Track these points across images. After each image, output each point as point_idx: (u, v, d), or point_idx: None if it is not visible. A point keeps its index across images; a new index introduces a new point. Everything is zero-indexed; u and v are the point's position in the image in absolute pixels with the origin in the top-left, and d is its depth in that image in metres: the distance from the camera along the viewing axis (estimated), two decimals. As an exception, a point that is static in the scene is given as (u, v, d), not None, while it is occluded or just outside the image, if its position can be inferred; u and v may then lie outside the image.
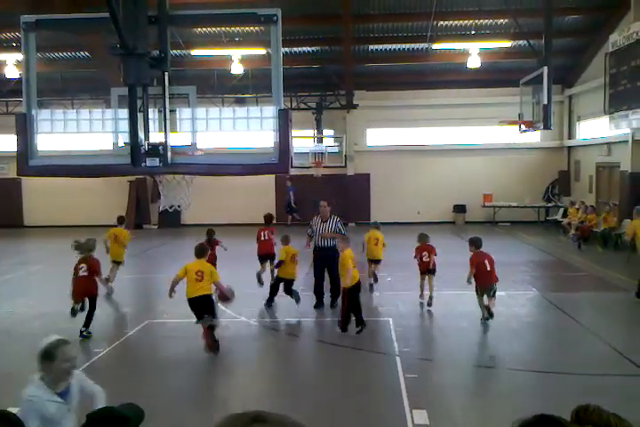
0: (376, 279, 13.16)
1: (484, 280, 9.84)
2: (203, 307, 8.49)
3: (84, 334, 9.36)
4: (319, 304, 11.28)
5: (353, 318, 9.41)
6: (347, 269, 9.30)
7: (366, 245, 12.89)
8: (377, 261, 13.03)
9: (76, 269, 9.73)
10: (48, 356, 3.88)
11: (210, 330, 8.48)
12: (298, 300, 11.05)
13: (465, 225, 24.47)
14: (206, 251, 9.17)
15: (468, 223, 24.54)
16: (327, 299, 11.36)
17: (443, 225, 24.30)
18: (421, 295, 11.53)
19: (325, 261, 11.12)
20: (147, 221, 25.65)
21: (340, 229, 11.19)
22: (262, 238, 13.07)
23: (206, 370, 8.15)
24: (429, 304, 11.12)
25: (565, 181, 24.64)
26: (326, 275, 11.31)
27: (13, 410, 3.33)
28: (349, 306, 9.40)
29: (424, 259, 11.50)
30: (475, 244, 10.24)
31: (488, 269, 9.85)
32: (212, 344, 8.46)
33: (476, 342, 9.05)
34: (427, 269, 11.44)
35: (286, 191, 24.19)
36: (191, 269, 8.64)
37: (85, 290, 9.61)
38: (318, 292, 11.32)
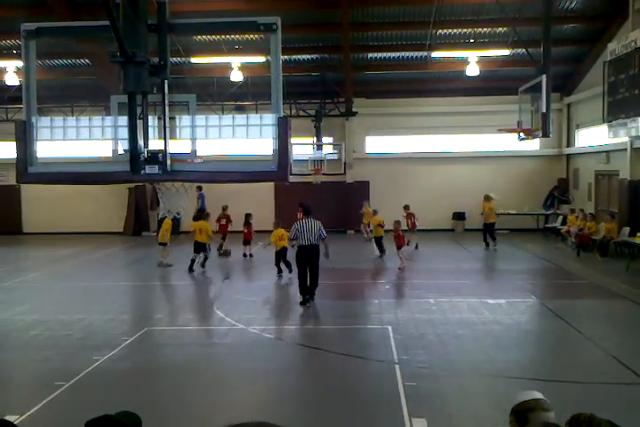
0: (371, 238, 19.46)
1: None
2: (199, 247, 16.01)
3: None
4: (307, 301, 12.07)
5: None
6: (275, 240, 15.03)
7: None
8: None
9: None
10: (520, 418, 3.17)
11: (193, 261, 16.02)
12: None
13: (464, 233, 24.49)
14: (204, 216, 16.47)
15: (467, 231, 24.55)
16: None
17: (442, 233, 24.31)
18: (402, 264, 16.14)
19: (309, 259, 12.17)
20: (146, 228, 25.63)
21: (322, 232, 12.34)
22: None
23: (205, 378, 8.12)
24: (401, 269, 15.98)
25: (564, 188, 24.68)
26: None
27: (11, 418, 3.31)
28: (279, 259, 15.18)
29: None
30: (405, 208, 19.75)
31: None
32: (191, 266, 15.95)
33: (475, 350, 9.02)
34: (402, 245, 16.40)
35: (197, 198, 23.74)
36: (194, 226, 16.19)
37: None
38: (305, 290, 12.15)
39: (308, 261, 12.21)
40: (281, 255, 15.22)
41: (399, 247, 16.33)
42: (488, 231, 20.00)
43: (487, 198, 20.45)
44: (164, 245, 16.94)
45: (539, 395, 3.19)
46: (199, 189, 23.63)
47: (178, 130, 4.92)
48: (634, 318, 11.19)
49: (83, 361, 8.49)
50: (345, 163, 24.67)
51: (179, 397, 7.27)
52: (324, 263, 14.61)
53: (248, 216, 18.67)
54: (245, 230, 18.50)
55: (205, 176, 5.04)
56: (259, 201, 23.99)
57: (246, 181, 5.44)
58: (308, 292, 12.14)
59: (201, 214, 16.70)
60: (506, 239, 22.35)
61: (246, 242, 18.41)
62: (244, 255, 18.35)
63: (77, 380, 7.79)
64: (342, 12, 19.04)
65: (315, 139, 24.03)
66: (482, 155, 24.84)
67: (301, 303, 12.03)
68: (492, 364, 8.37)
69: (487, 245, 19.98)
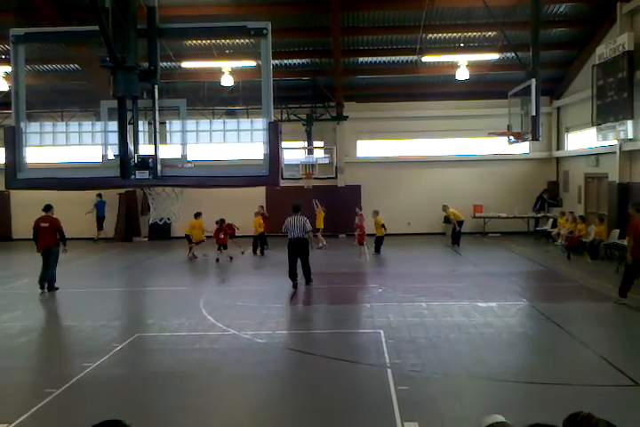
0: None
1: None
2: (189, 239, 19.51)
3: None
4: (295, 285, 14.23)
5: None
6: (259, 225, 19.79)
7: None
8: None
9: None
10: None
11: (191, 249, 19.49)
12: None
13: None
14: (199, 215, 19.26)
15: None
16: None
17: (433, 236, 24.36)
18: (359, 256, 18.78)
19: (297, 250, 14.22)
20: (137, 233, 25.54)
21: (306, 226, 14.29)
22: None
23: (196, 383, 8.08)
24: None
25: (555, 191, 24.79)
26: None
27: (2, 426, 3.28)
28: (256, 243, 20.02)
29: (357, 234, 19.49)
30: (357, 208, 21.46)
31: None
32: (191, 257, 19.49)
33: (467, 353, 9.02)
34: (362, 242, 19.12)
35: (94, 205, 24.95)
36: (194, 223, 19.24)
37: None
38: (292, 275, 14.27)
39: (297, 252, 14.24)
40: (258, 239, 19.78)
41: (361, 243, 19.38)
42: (377, 242, 19.88)
43: (376, 213, 20.21)
44: (198, 242, 19.39)
45: (500, 418, 3.12)
46: (99, 196, 24.78)
47: (168, 135, 4.91)
48: (624, 321, 11.24)
49: (73, 368, 8.43)
50: (336, 167, 24.70)
51: (169, 402, 7.23)
52: (318, 269, 14.62)
53: (222, 221, 19.52)
54: (220, 235, 19.19)
55: (196, 181, 5.03)
56: (250, 205, 23.93)
57: (237, 185, 5.42)
58: (296, 277, 14.27)
59: (200, 213, 19.41)
60: (496, 242, 22.42)
61: (223, 246, 19.23)
62: (217, 260, 19.06)
63: (67, 387, 7.73)
64: (333, 17, 19.08)
65: (306, 143, 24.05)
66: (472, 158, 24.94)
67: (293, 287, 14.17)
68: (483, 367, 8.37)
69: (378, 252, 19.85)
